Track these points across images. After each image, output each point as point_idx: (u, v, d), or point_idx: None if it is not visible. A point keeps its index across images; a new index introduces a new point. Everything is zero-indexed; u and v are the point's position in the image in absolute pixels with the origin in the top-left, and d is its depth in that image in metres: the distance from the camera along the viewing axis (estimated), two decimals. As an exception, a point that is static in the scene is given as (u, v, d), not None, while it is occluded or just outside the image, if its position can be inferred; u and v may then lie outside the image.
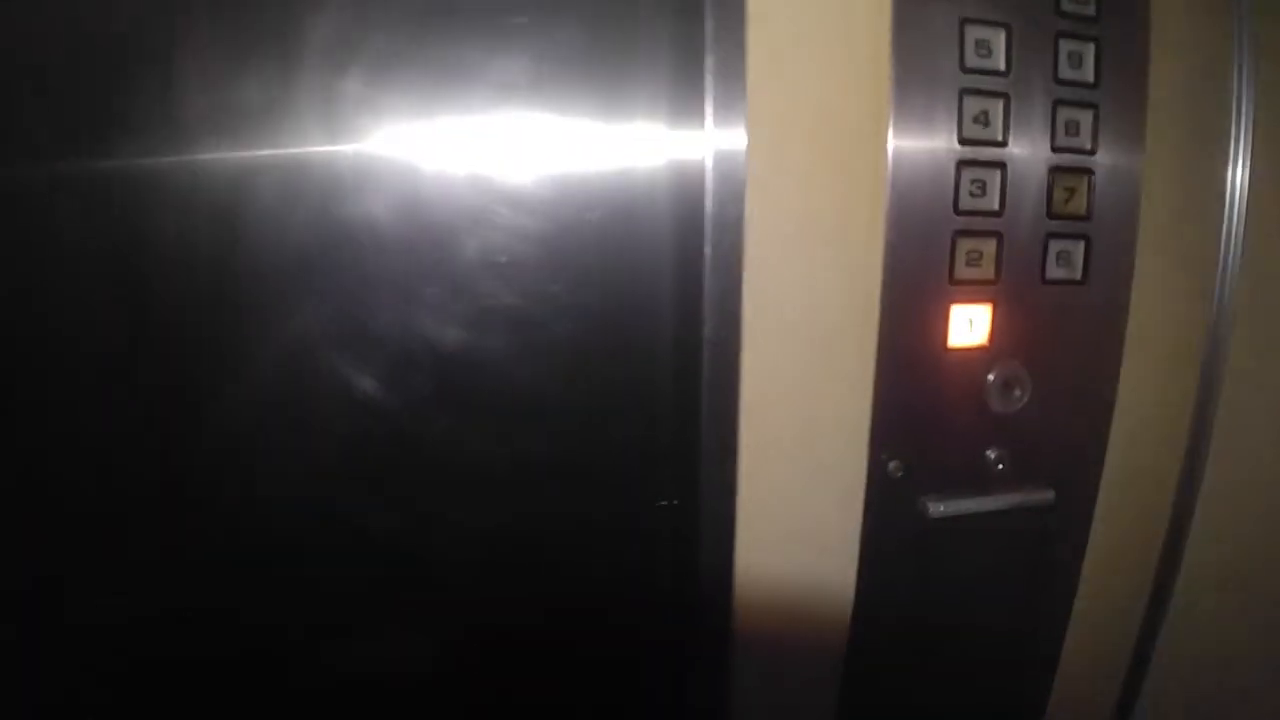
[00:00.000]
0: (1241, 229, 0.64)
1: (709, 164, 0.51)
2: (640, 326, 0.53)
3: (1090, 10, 0.57)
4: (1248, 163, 0.64)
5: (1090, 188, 0.59)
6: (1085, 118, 0.58)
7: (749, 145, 0.51)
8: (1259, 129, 0.63)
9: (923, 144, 0.54)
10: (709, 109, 0.50)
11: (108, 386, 0.49)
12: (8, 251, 0.46)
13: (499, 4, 0.49)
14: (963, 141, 0.55)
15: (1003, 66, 0.55)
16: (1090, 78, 0.57)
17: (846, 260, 0.55)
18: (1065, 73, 0.57)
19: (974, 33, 0.54)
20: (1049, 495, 0.63)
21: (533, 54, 0.50)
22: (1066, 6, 0.56)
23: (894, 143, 0.54)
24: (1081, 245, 0.59)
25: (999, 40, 0.55)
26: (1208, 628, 0.74)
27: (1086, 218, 0.59)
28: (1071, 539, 0.67)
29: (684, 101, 0.51)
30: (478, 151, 0.50)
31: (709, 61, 0.50)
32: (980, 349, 0.58)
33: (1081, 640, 0.71)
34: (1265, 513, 0.73)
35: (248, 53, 0.47)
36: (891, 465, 0.57)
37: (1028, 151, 0.56)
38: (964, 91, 0.54)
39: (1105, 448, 0.65)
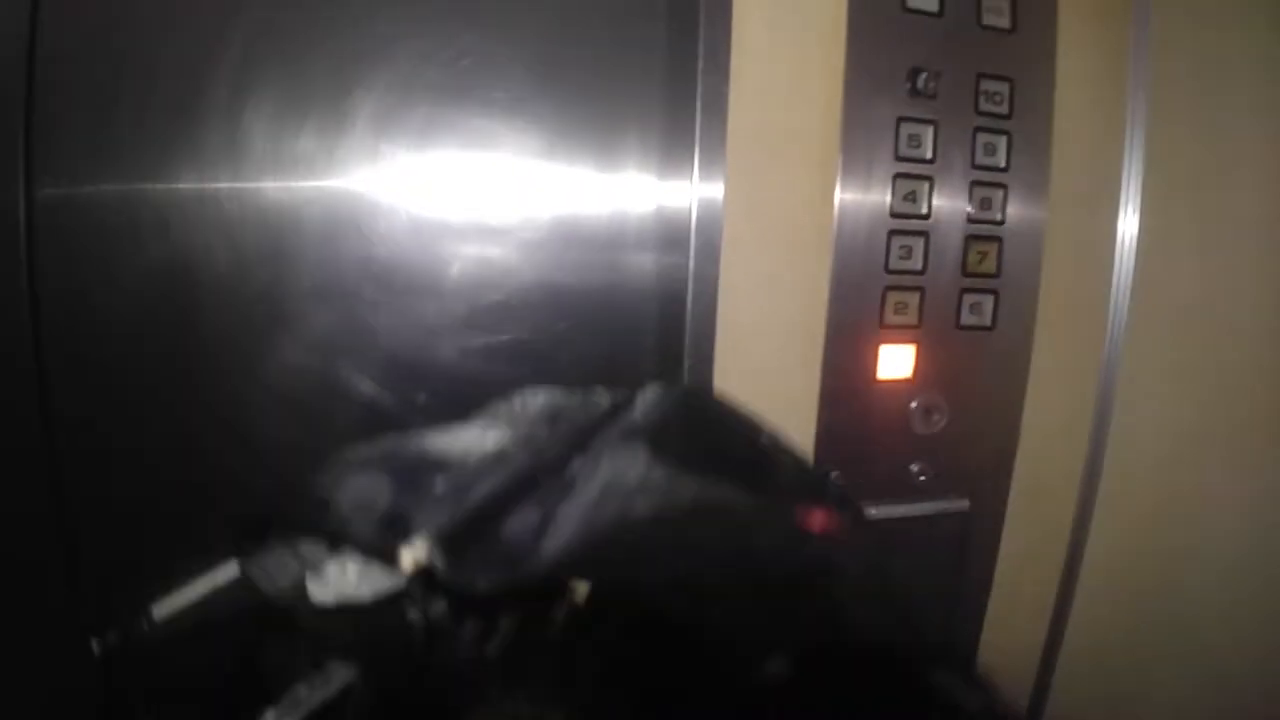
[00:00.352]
0: (1129, 278, 0.78)
1: (693, 223, 0.64)
2: (630, 362, 0.66)
3: (1004, 110, 0.70)
4: (1135, 223, 0.77)
5: (999, 251, 0.72)
6: (997, 195, 0.71)
7: (725, 213, 0.64)
8: (1146, 197, 0.77)
9: (862, 215, 0.67)
10: (695, 172, 0.63)
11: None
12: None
13: (514, 85, 0.62)
14: (893, 215, 0.68)
15: (929, 155, 0.68)
16: (1002, 163, 0.71)
17: (797, 307, 0.68)
18: (981, 159, 0.70)
19: (907, 129, 0.67)
20: (964, 504, 0.76)
21: (542, 125, 0.62)
22: (984, 106, 0.70)
23: (838, 213, 0.67)
24: (991, 298, 0.72)
25: (927, 135, 0.68)
26: (1108, 619, 0.87)
27: (996, 275, 0.72)
28: (986, 542, 0.80)
29: (674, 166, 0.64)
30: (491, 203, 0.62)
31: (697, 137, 0.63)
32: (905, 381, 0.71)
33: (998, 630, 0.84)
34: (1153, 518, 0.86)
35: (306, 110, 0.59)
36: (832, 475, 0.70)
37: (947, 223, 0.70)
38: (896, 176, 0.68)
39: (1013, 464, 0.78)
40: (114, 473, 0.61)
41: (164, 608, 0.43)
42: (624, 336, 0.66)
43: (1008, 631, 0.84)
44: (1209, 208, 0.80)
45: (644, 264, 0.66)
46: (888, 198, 0.68)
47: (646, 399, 0.43)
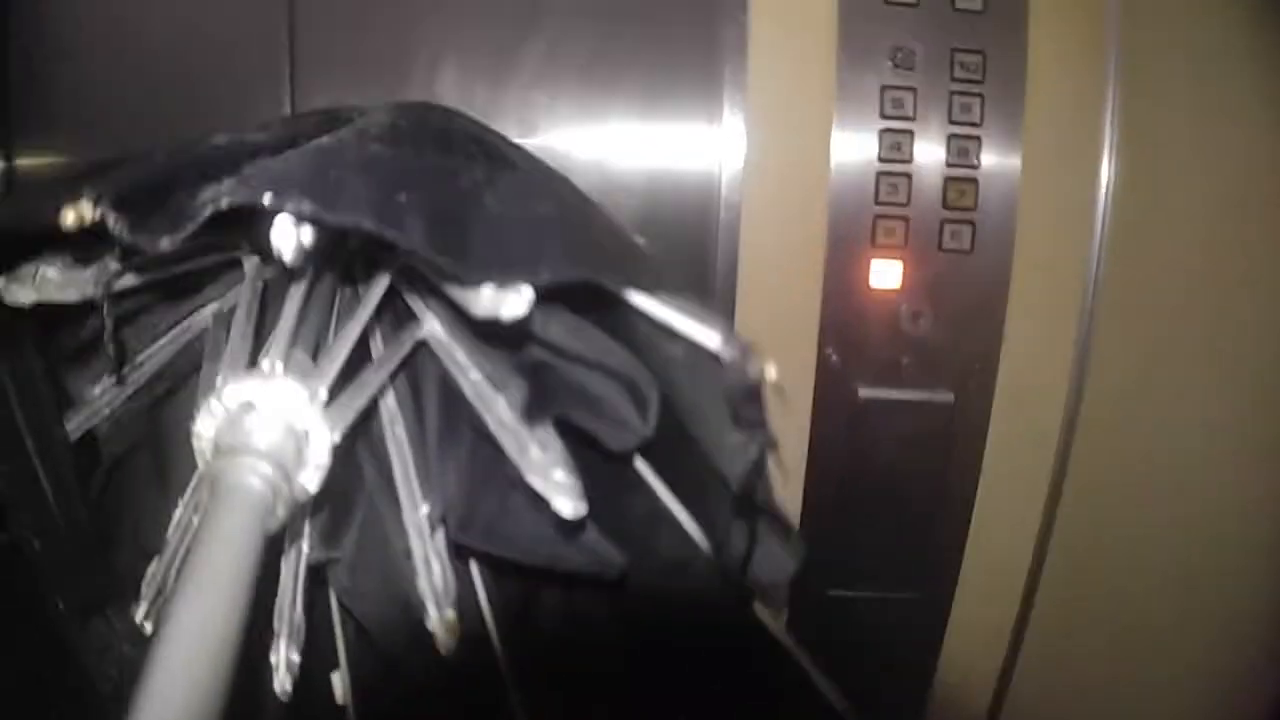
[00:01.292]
0: (1109, 217, 0.93)
1: (722, 170, 0.88)
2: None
3: (978, 76, 0.89)
4: (1113, 166, 0.92)
5: (976, 190, 0.91)
6: (973, 145, 0.90)
7: (747, 155, 0.88)
8: (1122, 143, 0.92)
9: (855, 160, 0.89)
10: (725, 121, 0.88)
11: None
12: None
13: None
14: (881, 159, 0.89)
15: (910, 114, 0.89)
16: (976, 120, 0.90)
17: (802, 230, 0.90)
18: (957, 116, 0.90)
19: (890, 94, 0.89)
20: (949, 397, 0.94)
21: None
22: (958, 74, 0.89)
23: (834, 160, 0.89)
24: (969, 228, 0.91)
25: (908, 99, 0.89)
26: (1096, 521, 1.00)
27: (974, 209, 0.91)
28: (972, 438, 0.96)
29: (712, 120, 0.90)
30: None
31: (724, 111, 0.88)
32: (894, 291, 0.91)
33: (985, 528, 0.99)
34: (1142, 424, 0.98)
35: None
36: (832, 356, 0.91)
37: (928, 168, 0.90)
38: (882, 131, 0.89)
39: (997, 367, 0.95)
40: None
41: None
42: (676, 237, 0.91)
43: (996, 526, 1.00)
44: (1188, 152, 0.93)
45: (685, 191, 0.91)
46: (875, 149, 0.89)
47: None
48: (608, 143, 0.89)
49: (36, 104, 0.87)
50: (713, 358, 0.41)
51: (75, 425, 0.52)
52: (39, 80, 0.86)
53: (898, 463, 0.96)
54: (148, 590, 0.54)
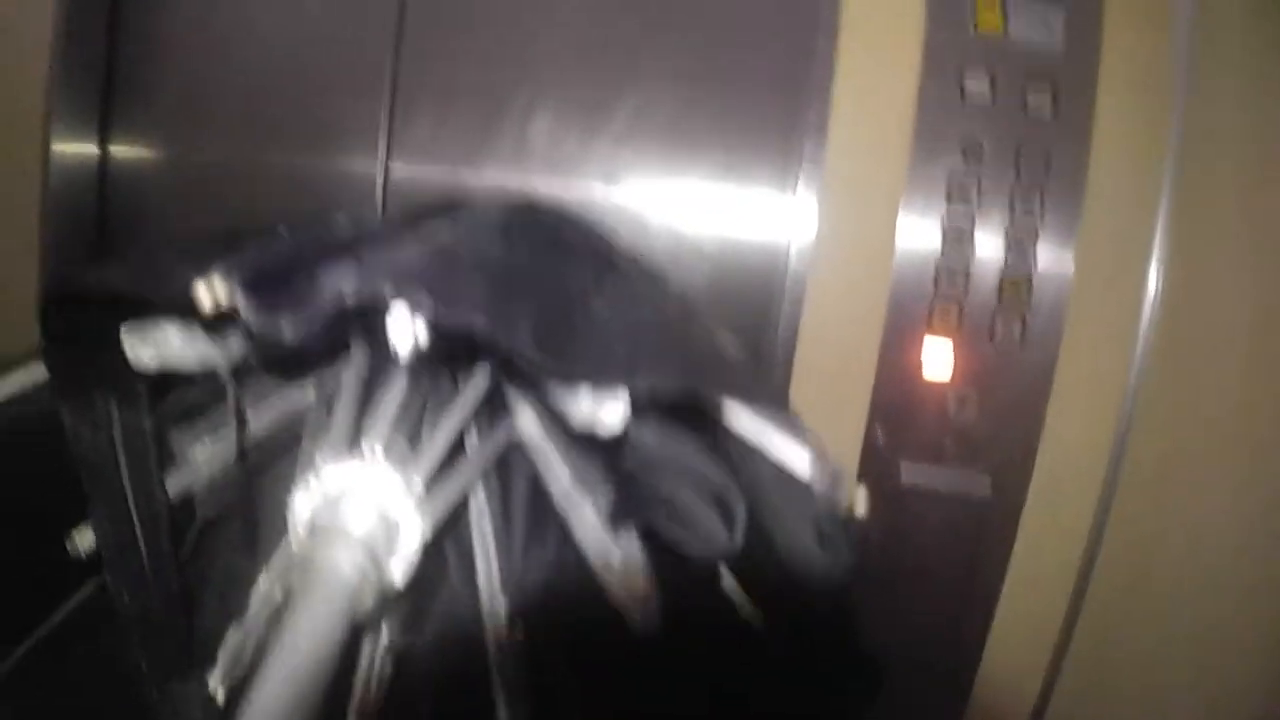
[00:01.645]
0: (1154, 324, 0.96)
1: (791, 250, 0.91)
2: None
3: (1041, 177, 0.93)
4: (1161, 276, 0.96)
5: (1030, 288, 0.94)
6: (1030, 242, 0.93)
7: (818, 226, 0.90)
8: (1170, 258, 0.96)
9: (918, 246, 0.92)
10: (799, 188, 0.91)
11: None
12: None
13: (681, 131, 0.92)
14: (943, 248, 0.92)
15: (974, 204, 0.92)
16: (1036, 217, 0.93)
17: (862, 308, 0.93)
18: (1019, 212, 0.93)
19: (957, 184, 0.92)
20: (986, 481, 0.95)
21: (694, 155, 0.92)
22: (1023, 173, 0.93)
23: (899, 243, 0.92)
24: (1019, 322, 0.94)
25: (974, 190, 0.92)
26: (1119, 622, 1.01)
27: (1026, 304, 0.94)
28: (1005, 524, 0.98)
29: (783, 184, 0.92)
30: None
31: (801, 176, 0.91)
32: (943, 383, 0.93)
33: (1010, 616, 1.00)
34: (1172, 530, 1.00)
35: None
36: (880, 432, 0.93)
37: (987, 260, 0.93)
38: (946, 219, 0.92)
39: (1034, 457, 0.96)
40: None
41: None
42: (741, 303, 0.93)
43: (1020, 618, 1.00)
44: (1234, 269, 0.97)
45: (754, 259, 0.94)
46: (938, 235, 0.92)
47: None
48: (685, 204, 0.92)
49: (136, 98, 0.88)
50: (802, 480, 0.42)
51: (175, 485, 0.52)
52: (140, 76, 0.87)
53: (931, 546, 0.97)
54: (224, 658, 0.53)
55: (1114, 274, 0.96)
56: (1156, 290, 0.96)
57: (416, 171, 0.92)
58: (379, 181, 0.88)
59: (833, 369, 0.93)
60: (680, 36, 0.90)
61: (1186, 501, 0.99)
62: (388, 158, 0.91)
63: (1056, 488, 0.98)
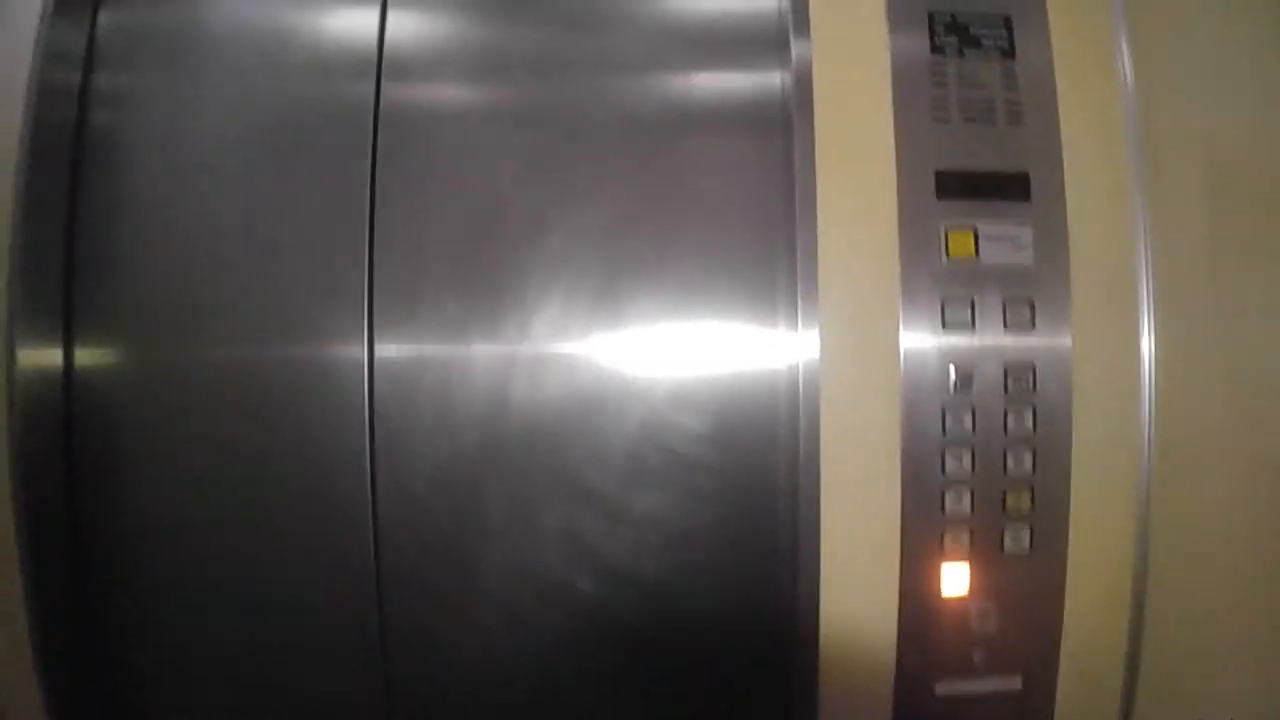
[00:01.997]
0: (1149, 515, 1.01)
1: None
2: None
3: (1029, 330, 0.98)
4: (1149, 487, 1.01)
5: (1033, 496, 0.98)
6: (1026, 458, 0.98)
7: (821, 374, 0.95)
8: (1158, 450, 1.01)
9: (923, 472, 0.97)
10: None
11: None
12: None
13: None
14: (945, 472, 0.97)
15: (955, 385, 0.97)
16: (1029, 428, 0.98)
17: (878, 538, 0.97)
18: (1012, 428, 0.98)
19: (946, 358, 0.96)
20: (1017, 681, 1.00)
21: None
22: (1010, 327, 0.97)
23: (902, 475, 0.96)
24: (1027, 530, 0.98)
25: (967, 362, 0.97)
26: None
27: (1030, 509, 0.98)
28: (1040, 713, 1.02)
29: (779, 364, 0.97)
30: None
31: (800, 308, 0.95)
32: (963, 595, 0.98)
33: None
34: (1195, 695, 1.05)
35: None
36: (912, 654, 0.97)
37: (988, 482, 0.97)
38: (944, 451, 0.96)
39: (1059, 652, 1.01)
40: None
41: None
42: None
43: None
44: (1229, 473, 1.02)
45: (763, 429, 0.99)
46: (939, 467, 0.97)
47: None
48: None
49: (99, 301, 0.91)
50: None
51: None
52: (103, 277, 0.90)
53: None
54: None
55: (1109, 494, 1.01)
56: (1145, 494, 1.01)
57: (404, 350, 0.95)
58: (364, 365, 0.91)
59: (857, 610, 0.98)
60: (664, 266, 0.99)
61: (1209, 664, 1.04)
62: (371, 340, 0.93)
63: (1082, 673, 1.02)
